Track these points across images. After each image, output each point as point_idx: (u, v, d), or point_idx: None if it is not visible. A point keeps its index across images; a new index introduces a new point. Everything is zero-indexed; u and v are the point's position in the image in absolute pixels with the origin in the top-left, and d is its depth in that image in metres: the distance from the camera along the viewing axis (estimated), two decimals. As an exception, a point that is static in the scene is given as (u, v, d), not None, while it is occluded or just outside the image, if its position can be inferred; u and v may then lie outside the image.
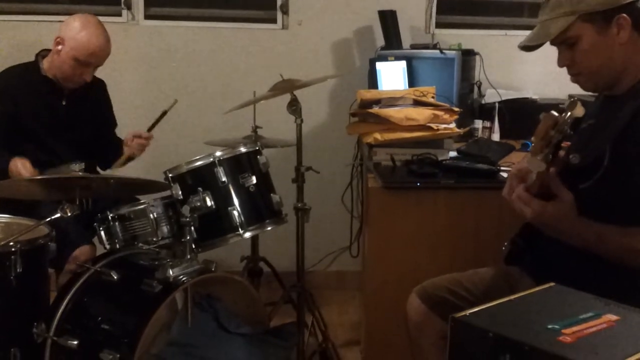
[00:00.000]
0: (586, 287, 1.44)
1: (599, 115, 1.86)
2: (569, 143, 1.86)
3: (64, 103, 2.85)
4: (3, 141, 2.70)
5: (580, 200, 1.68)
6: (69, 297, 2.26)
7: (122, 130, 3.18)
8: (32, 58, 2.86)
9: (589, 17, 1.72)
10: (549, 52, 1.87)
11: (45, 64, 2.81)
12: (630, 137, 1.66)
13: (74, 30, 2.71)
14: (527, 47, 1.84)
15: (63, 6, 3.64)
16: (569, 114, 1.55)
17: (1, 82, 2.82)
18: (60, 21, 2.85)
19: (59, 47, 2.72)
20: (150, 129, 2.90)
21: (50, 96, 2.82)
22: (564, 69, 1.83)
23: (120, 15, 3.68)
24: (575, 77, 1.82)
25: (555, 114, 1.60)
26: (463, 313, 1.32)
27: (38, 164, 2.63)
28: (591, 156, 1.71)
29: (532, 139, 1.60)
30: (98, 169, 3.03)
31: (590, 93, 2.00)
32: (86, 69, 2.75)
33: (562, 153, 1.71)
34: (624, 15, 1.70)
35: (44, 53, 2.83)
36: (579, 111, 1.56)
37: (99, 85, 3.02)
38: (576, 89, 1.94)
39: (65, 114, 2.85)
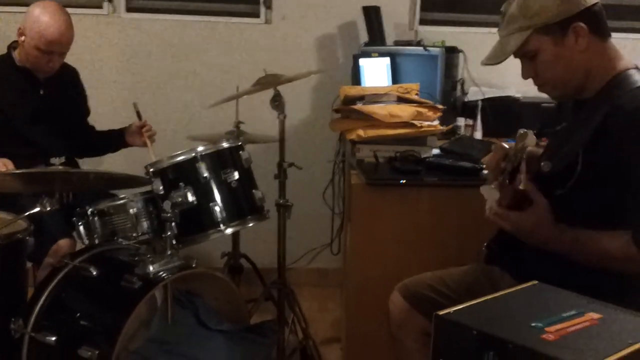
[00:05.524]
0: (565, 288, 1.44)
1: (570, 119, 1.86)
2: (541, 151, 1.86)
3: (41, 92, 2.81)
4: None
5: (557, 206, 1.69)
6: (47, 292, 2.22)
7: (102, 122, 3.15)
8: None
9: (545, 30, 1.71)
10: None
11: (17, 54, 2.77)
12: (602, 142, 1.65)
13: (33, 19, 2.66)
14: (490, 64, 1.83)
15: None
16: (519, 145, 1.58)
17: None
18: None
19: (22, 37, 2.68)
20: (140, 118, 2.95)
21: (27, 86, 2.78)
22: None
23: (101, 7, 3.63)
24: (542, 88, 1.82)
25: (506, 146, 1.69)
26: (447, 311, 1.32)
27: (20, 156, 2.60)
28: (563, 163, 1.70)
29: (484, 167, 1.62)
30: (77, 161, 3.00)
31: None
32: (51, 56, 2.70)
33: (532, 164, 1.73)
34: (580, 23, 1.69)
35: (14, 44, 2.78)
36: (531, 141, 1.60)
37: (73, 74, 2.99)
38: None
39: (44, 103, 2.81)
